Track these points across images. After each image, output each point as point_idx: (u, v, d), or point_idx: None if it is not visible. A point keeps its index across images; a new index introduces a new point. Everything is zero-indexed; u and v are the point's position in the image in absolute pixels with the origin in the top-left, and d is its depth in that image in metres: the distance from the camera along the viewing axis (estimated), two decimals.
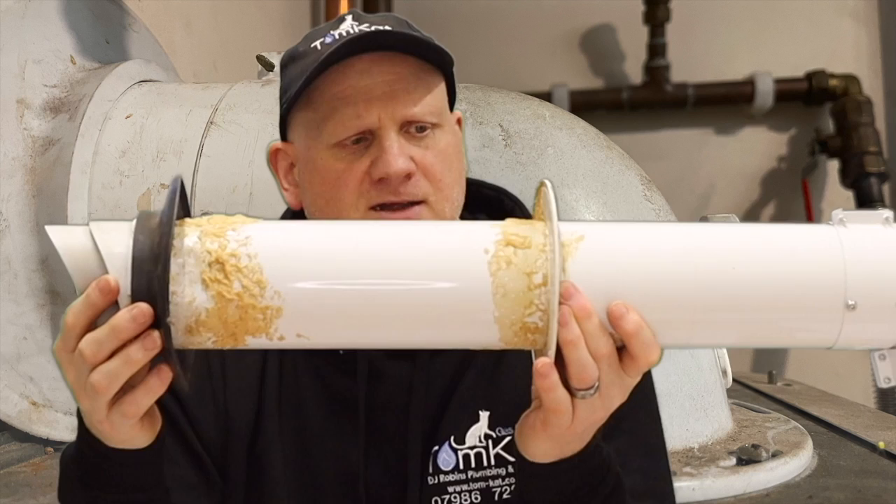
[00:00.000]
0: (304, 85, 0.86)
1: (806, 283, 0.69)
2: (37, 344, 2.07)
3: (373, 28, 0.87)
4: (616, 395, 0.70)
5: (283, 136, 0.95)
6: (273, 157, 0.95)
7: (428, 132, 0.88)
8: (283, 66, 0.93)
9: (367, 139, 0.86)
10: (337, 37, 0.87)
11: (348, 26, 0.88)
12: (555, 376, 0.67)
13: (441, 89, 0.91)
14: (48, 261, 2.06)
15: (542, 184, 0.71)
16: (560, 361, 0.68)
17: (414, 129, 0.87)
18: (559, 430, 0.71)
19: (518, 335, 0.68)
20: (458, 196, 0.91)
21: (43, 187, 2.07)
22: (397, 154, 0.85)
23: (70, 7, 2.23)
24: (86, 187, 2.07)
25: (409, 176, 0.85)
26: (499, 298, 0.66)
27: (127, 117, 2.15)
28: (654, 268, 0.68)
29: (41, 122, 2.11)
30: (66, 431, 2.06)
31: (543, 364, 0.67)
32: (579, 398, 0.69)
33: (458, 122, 0.97)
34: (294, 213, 0.96)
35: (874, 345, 0.72)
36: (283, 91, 0.92)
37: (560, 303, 0.66)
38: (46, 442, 2.05)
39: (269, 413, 0.92)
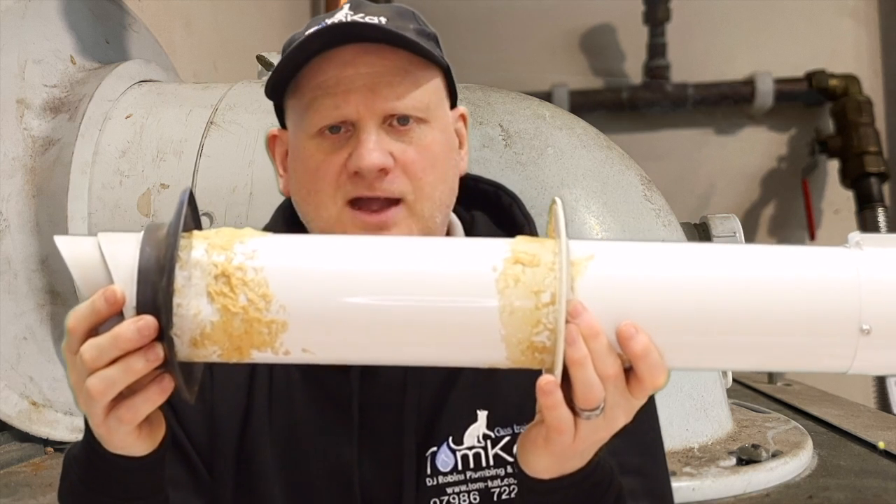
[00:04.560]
0: (288, 73, 0.85)
1: (819, 307, 0.66)
2: (37, 344, 2.07)
3: (365, 19, 0.85)
4: (620, 416, 0.68)
5: (281, 121, 0.94)
6: (271, 142, 0.94)
7: (412, 126, 0.85)
8: (283, 50, 0.91)
9: (349, 130, 0.85)
10: (328, 24, 0.85)
11: (343, 15, 0.86)
12: (558, 395, 0.66)
13: (434, 85, 0.88)
14: (48, 261, 2.06)
15: (553, 201, 0.70)
16: (566, 381, 0.66)
17: (397, 122, 0.85)
18: (560, 447, 0.69)
19: (525, 354, 0.66)
20: (444, 196, 0.88)
21: (43, 187, 2.07)
22: (372, 148, 0.83)
23: (70, 7, 2.23)
24: (86, 187, 2.07)
25: (385, 171, 0.84)
26: (506, 317, 0.65)
27: (127, 117, 2.15)
28: (664, 289, 0.66)
29: (41, 122, 2.11)
30: (66, 431, 2.06)
31: (547, 382, 0.65)
32: (584, 418, 0.67)
33: (463, 118, 0.95)
34: (285, 210, 0.96)
35: (890, 371, 0.70)
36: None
37: (567, 321, 0.65)
38: (46, 442, 2.04)
39: (258, 411, 0.90)
